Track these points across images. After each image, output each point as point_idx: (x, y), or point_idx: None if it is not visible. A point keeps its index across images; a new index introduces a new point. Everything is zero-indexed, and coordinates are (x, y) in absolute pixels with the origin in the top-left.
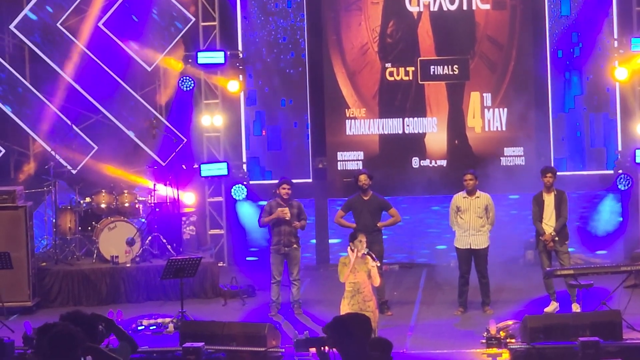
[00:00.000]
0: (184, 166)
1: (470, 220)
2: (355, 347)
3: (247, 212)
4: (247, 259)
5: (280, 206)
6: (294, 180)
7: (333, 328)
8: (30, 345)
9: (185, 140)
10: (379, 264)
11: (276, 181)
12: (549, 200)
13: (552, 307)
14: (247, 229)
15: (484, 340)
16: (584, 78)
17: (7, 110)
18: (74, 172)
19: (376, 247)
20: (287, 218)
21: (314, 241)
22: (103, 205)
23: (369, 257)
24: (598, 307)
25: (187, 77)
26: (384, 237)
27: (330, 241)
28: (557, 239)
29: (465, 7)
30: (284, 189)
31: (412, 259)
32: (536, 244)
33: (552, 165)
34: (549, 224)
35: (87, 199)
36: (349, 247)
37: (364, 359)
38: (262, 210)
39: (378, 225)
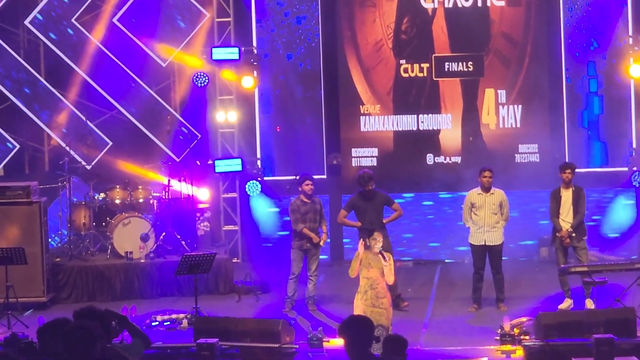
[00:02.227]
0: (198, 162)
1: (485, 217)
2: (357, 346)
3: (262, 208)
4: (264, 245)
5: (304, 204)
6: None
7: (340, 330)
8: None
9: (200, 136)
10: (389, 265)
11: (291, 177)
12: (567, 196)
13: (566, 304)
14: (261, 224)
15: (498, 337)
16: (599, 75)
17: (22, 105)
18: (88, 167)
19: (384, 241)
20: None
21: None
22: (117, 201)
23: (380, 256)
24: (612, 304)
25: (202, 73)
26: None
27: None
28: (574, 235)
29: (480, 4)
30: (307, 185)
31: (426, 256)
32: (552, 240)
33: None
34: (566, 220)
35: (102, 195)
36: (360, 242)
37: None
38: (291, 212)
39: (384, 221)
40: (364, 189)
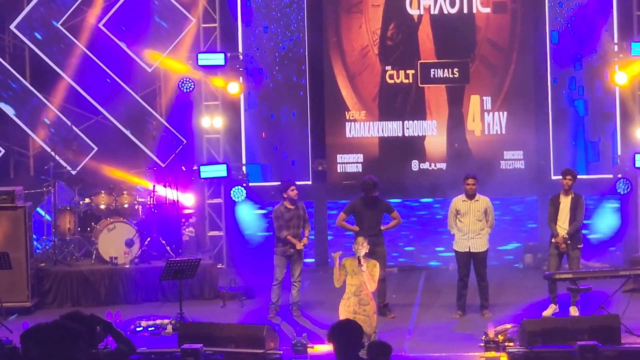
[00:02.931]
0: (183, 168)
1: (470, 224)
2: (346, 351)
3: (246, 214)
4: (249, 247)
5: (288, 210)
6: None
7: (329, 335)
8: None
9: (185, 141)
10: (367, 272)
11: (276, 183)
12: (566, 202)
13: (550, 310)
14: (246, 230)
15: (482, 344)
16: (584, 82)
17: (7, 110)
18: (73, 172)
19: (380, 248)
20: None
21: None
22: (102, 206)
23: (359, 261)
24: (597, 312)
25: (187, 79)
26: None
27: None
28: (569, 242)
29: (465, 11)
30: (292, 190)
31: (411, 262)
32: (549, 245)
33: (552, 169)
34: (562, 226)
35: (87, 200)
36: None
37: None
38: (274, 218)
39: (382, 228)
40: (368, 195)
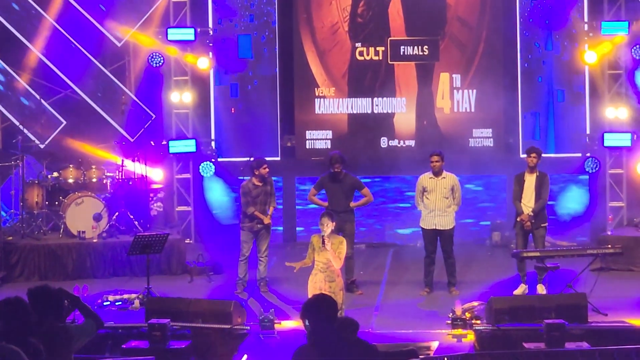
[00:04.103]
0: (152, 142)
1: (436, 201)
2: (321, 326)
3: (215, 190)
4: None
5: (256, 187)
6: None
7: (303, 312)
8: None
9: (154, 116)
10: (331, 250)
11: (245, 159)
12: (530, 180)
13: (521, 289)
14: (214, 206)
15: (449, 321)
16: (554, 61)
17: None
18: (42, 146)
19: (348, 225)
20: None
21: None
22: (70, 180)
23: (325, 239)
24: (564, 290)
25: (157, 53)
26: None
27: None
28: (533, 221)
29: None
30: (265, 169)
31: (379, 239)
32: (514, 223)
33: (521, 147)
34: (527, 205)
35: (55, 174)
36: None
37: (330, 337)
38: (242, 194)
39: (351, 205)
40: (331, 170)
